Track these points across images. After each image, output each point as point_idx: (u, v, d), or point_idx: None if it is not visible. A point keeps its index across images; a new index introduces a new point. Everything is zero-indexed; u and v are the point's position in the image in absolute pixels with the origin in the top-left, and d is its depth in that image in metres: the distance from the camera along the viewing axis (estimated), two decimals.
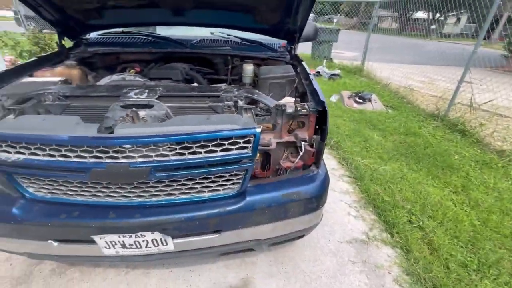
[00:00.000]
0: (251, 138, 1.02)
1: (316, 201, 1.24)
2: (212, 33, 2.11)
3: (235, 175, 1.11)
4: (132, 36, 2.05)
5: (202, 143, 0.99)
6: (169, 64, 1.85)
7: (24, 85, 1.37)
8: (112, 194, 1.07)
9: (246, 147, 1.04)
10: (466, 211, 2.15)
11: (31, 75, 1.50)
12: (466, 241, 1.85)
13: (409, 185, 2.43)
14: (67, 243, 1.13)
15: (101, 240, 1.08)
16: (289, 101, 1.27)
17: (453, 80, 4.01)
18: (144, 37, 2.02)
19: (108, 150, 0.95)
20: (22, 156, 0.98)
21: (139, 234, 1.07)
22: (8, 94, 1.22)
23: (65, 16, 1.74)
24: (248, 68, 1.78)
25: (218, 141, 1.00)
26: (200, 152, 1.00)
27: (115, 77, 1.56)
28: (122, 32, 2.09)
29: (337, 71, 6.47)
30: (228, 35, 2.08)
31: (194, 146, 0.99)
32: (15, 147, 0.97)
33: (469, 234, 1.91)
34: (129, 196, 1.08)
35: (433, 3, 4.51)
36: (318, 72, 6.47)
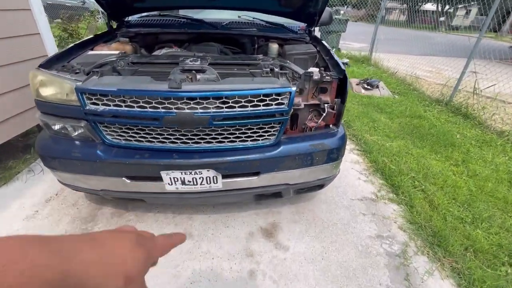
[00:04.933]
0: (287, 95, 1.28)
1: (336, 152, 1.50)
2: (239, 17, 2.34)
3: (272, 127, 1.38)
4: (168, 19, 2.30)
5: (249, 98, 1.25)
6: (204, 43, 2.10)
7: (91, 56, 1.64)
8: (175, 141, 1.34)
9: (283, 103, 1.30)
10: (464, 179, 2.40)
11: (92, 49, 1.77)
12: (462, 201, 2.10)
13: (413, 158, 2.67)
14: (137, 180, 1.41)
15: (166, 176, 1.35)
16: (315, 70, 1.52)
17: (459, 70, 4.18)
18: (179, 19, 2.26)
19: (177, 102, 1.21)
20: (107, 108, 1.25)
21: (197, 171, 1.34)
22: (82, 63, 1.50)
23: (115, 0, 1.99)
24: (274, 47, 2.01)
25: (261, 97, 1.26)
26: (247, 106, 1.26)
27: (165, 50, 1.82)
28: (159, 15, 2.33)
29: (346, 60, 6.64)
30: (253, 18, 2.31)
31: (242, 100, 1.25)
32: (102, 100, 1.25)
33: (466, 197, 2.16)
34: (189, 143, 1.35)
35: None
36: None
